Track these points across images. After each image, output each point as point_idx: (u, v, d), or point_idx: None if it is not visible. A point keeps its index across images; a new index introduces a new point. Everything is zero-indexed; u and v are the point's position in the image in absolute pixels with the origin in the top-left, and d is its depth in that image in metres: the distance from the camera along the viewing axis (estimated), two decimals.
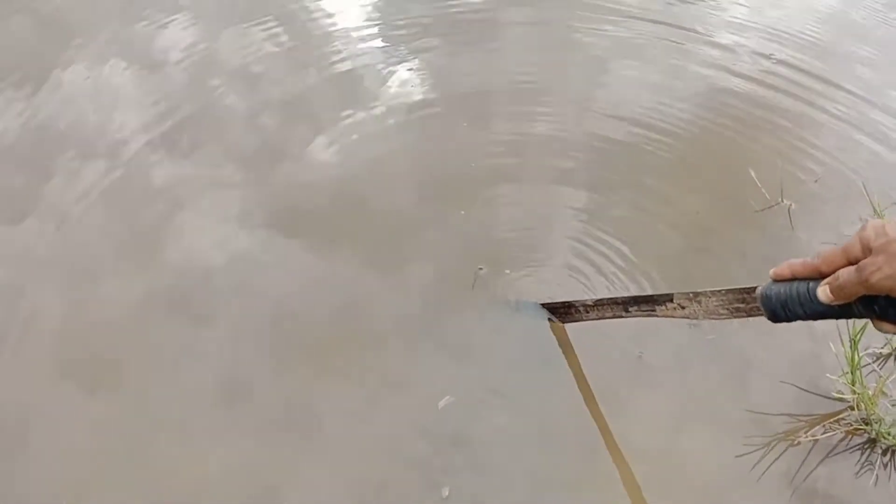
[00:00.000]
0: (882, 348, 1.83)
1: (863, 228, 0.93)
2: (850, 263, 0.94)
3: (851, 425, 1.70)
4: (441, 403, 1.74)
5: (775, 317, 1.05)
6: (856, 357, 1.70)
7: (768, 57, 2.79)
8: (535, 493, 1.62)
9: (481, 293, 1.97)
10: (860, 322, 1.73)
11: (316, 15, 3.05)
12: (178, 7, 3.07)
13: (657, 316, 1.50)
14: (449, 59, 2.79)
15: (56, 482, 1.63)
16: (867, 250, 0.92)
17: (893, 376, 1.75)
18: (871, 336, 1.80)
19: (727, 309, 1.29)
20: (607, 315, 1.66)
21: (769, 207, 2.19)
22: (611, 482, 1.63)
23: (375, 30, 2.95)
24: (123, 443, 1.69)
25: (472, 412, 1.73)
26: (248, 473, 1.64)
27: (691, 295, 1.37)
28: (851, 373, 1.71)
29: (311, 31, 2.96)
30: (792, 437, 1.68)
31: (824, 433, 1.69)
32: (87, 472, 1.65)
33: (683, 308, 1.40)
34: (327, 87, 2.67)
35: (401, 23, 3.00)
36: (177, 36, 2.92)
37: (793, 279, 1.01)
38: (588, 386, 1.77)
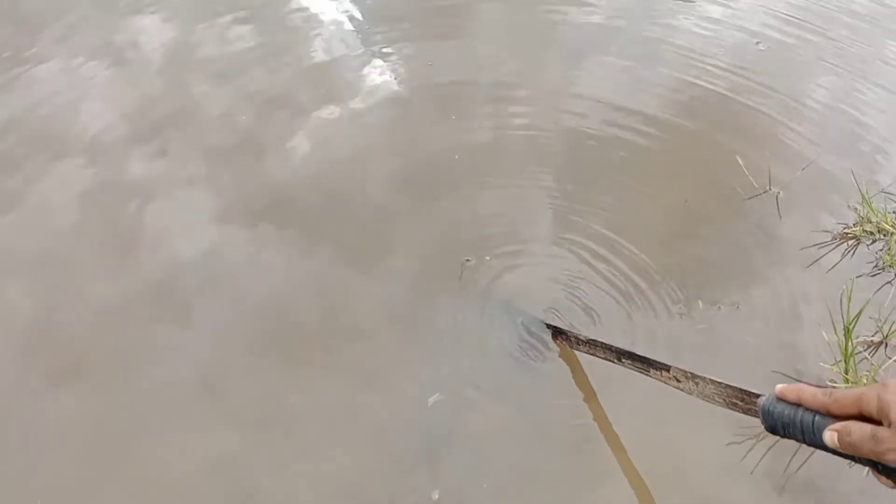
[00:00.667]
0: (873, 336, 1.81)
1: (884, 387, 0.89)
2: (862, 416, 0.91)
3: None
4: (430, 400, 1.71)
5: (773, 431, 1.04)
6: (849, 346, 1.68)
7: (755, 44, 2.76)
8: (525, 486, 1.58)
9: (469, 286, 1.93)
10: (854, 311, 1.71)
11: (292, 8, 3.00)
12: (153, 2, 3.01)
13: (649, 376, 1.50)
14: (426, 51, 2.75)
15: (30, 481, 1.59)
16: (885, 417, 0.88)
17: (886, 364, 1.73)
18: (864, 324, 1.78)
19: (723, 399, 1.28)
20: (598, 355, 1.65)
21: (757, 195, 2.16)
22: (601, 473, 1.60)
23: (352, 23, 2.91)
24: (101, 440, 1.66)
25: (460, 406, 1.70)
26: (229, 470, 1.61)
27: (689, 374, 1.38)
28: (845, 361, 1.69)
29: (287, 24, 2.91)
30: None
31: None
32: (63, 471, 1.61)
33: (678, 382, 1.41)
34: (305, 81, 2.63)
35: (377, 15, 2.96)
36: (152, 31, 2.86)
37: (798, 405, 0.99)
38: (582, 376, 1.74)
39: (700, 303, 1.88)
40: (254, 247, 2.05)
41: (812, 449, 1.58)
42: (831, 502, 1.57)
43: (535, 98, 2.54)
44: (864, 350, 1.79)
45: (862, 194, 2.10)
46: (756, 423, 1.61)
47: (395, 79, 2.62)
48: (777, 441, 1.63)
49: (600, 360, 1.64)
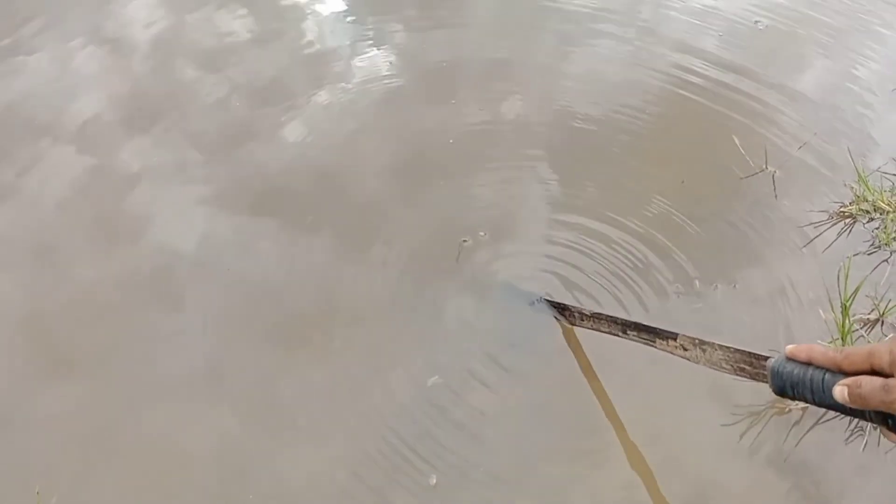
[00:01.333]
0: (869, 314, 1.81)
1: (894, 341, 0.89)
2: (874, 370, 0.91)
3: None
4: (429, 382, 1.71)
5: (781, 393, 1.03)
6: (846, 323, 1.68)
7: (754, 24, 2.74)
8: (523, 469, 1.58)
9: (466, 267, 1.93)
10: (850, 289, 1.71)
11: None
12: None
13: (655, 347, 1.48)
14: (418, 37, 2.73)
15: (27, 470, 1.58)
16: None
17: (882, 342, 1.73)
18: (861, 303, 1.78)
19: (731, 365, 1.27)
20: (602, 329, 1.63)
21: (753, 175, 2.16)
22: (599, 456, 1.60)
23: (343, 7, 2.88)
24: (98, 428, 1.65)
25: (458, 389, 1.70)
26: (226, 455, 1.61)
27: (697, 341, 1.36)
28: (842, 339, 1.69)
29: (279, 11, 2.88)
30: (781, 406, 1.65)
31: None
32: (59, 459, 1.60)
33: (685, 350, 1.39)
34: (296, 68, 2.61)
35: (369, 1, 2.93)
36: (143, 18, 2.83)
37: (808, 364, 0.98)
38: (583, 359, 1.74)
39: (697, 282, 1.88)
40: (248, 234, 2.04)
41: (810, 424, 1.61)
42: (827, 481, 1.57)
43: (529, 82, 2.52)
44: (861, 328, 1.79)
45: (858, 173, 2.10)
46: (753, 402, 1.63)
47: (388, 65, 2.60)
48: (771, 417, 1.64)
49: (602, 338, 1.64)
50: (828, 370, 0.96)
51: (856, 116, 2.37)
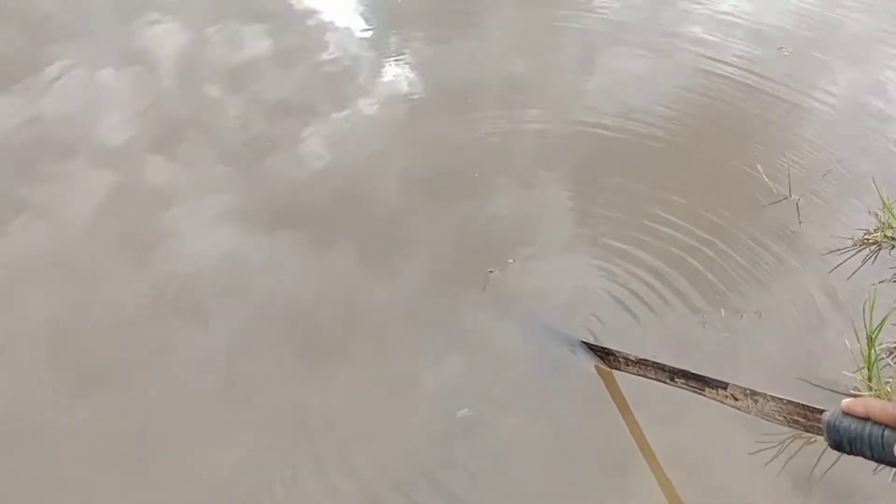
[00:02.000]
0: None
1: None
2: None
3: None
4: (459, 414, 1.71)
5: (838, 447, 1.02)
6: (872, 353, 1.68)
7: (779, 50, 2.76)
8: (547, 489, 1.59)
9: (492, 295, 1.95)
10: (877, 318, 1.72)
11: (304, 13, 3.03)
12: (167, 8, 3.05)
13: (704, 395, 1.47)
14: (439, 53, 2.77)
15: (56, 483, 1.61)
16: None
17: None
18: (886, 331, 1.78)
19: (784, 417, 1.27)
20: (649, 376, 1.62)
21: (777, 202, 2.17)
22: (625, 478, 1.61)
23: (364, 25, 2.93)
24: (126, 444, 1.67)
25: (483, 414, 1.71)
26: (248, 471, 1.62)
27: (748, 391, 1.36)
28: (868, 368, 1.69)
29: (300, 28, 2.94)
30: (808, 435, 1.65)
31: None
32: (88, 474, 1.62)
33: (736, 400, 1.39)
34: (318, 84, 2.66)
35: (389, 17, 2.98)
36: (166, 37, 2.90)
37: (866, 419, 0.98)
38: (612, 386, 1.75)
39: (722, 311, 1.89)
40: (272, 250, 2.07)
41: (837, 454, 1.61)
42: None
43: (549, 100, 2.56)
44: (888, 356, 1.79)
45: (882, 200, 2.10)
46: (780, 430, 1.63)
47: (409, 80, 2.65)
48: (801, 447, 1.64)
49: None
50: (887, 426, 0.94)
51: (881, 143, 2.38)
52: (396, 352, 1.83)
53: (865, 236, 2.07)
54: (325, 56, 2.79)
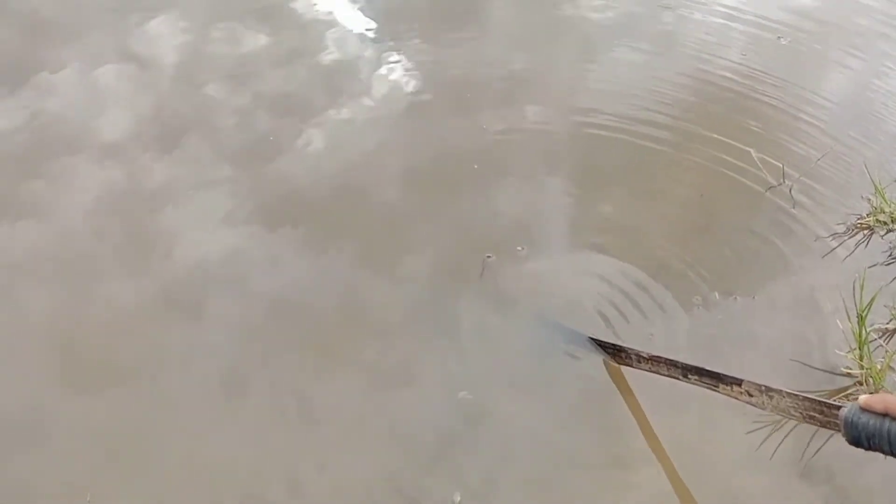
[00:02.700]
0: (888, 324, 1.85)
1: None
2: None
3: None
4: (460, 395, 1.73)
5: (856, 443, 1.04)
6: (863, 333, 1.71)
7: (776, 39, 2.78)
8: (553, 478, 1.61)
9: (489, 284, 1.97)
10: (867, 298, 1.75)
11: (304, 10, 3.04)
12: (166, 6, 3.05)
13: (718, 392, 1.48)
14: (439, 51, 2.78)
15: (73, 477, 1.62)
16: None
17: None
18: (879, 313, 1.81)
19: (800, 413, 1.28)
20: (661, 372, 1.62)
21: (771, 187, 2.20)
22: (621, 460, 1.63)
23: (365, 22, 2.94)
24: (126, 439, 1.68)
25: (484, 402, 1.73)
26: (256, 466, 1.64)
27: (763, 388, 1.36)
28: (859, 348, 1.72)
29: (300, 26, 2.95)
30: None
31: None
32: (91, 469, 1.64)
33: (751, 396, 1.40)
34: (319, 82, 2.67)
35: (390, 14, 2.99)
36: (167, 36, 2.91)
37: (885, 415, 1.00)
38: (616, 371, 1.77)
39: (716, 294, 1.92)
40: (273, 247, 2.08)
41: (829, 434, 1.62)
42: (855, 489, 1.59)
43: (549, 94, 2.57)
44: (879, 337, 1.82)
45: (875, 185, 2.13)
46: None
47: (409, 77, 2.66)
48: (794, 427, 1.67)
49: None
50: None
51: (872, 129, 2.41)
52: (398, 345, 1.84)
53: (858, 221, 2.10)
54: (326, 55, 2.79)
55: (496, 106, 2.52)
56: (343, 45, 2.84)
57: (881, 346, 1.80)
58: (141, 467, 1.64)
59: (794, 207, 2.15)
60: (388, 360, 1.81)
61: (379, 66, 2.73)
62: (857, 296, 1.78)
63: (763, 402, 1.37)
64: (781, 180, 2.20)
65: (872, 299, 1.74)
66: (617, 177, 2.26)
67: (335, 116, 2.51)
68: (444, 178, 2.27)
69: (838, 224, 2.10)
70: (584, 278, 1.98)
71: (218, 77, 2.69)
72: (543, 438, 1.67)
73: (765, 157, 2.27)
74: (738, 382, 1.42)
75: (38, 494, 1.61)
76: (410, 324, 1.89)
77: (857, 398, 1.64)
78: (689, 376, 1.54)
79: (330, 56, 2.78)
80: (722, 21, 2.87)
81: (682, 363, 1.56)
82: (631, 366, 1.72)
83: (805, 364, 1.78)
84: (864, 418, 1.01)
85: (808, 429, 1.65)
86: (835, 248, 2.04)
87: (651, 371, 1.65)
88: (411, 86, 2.63)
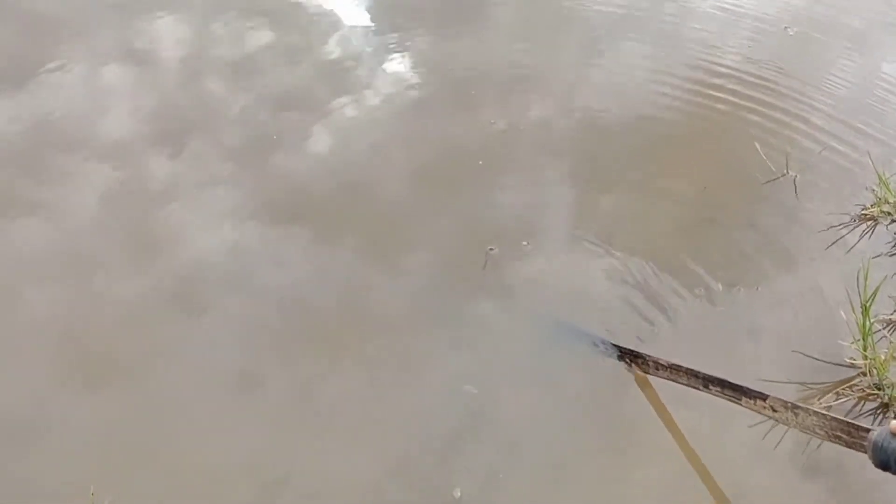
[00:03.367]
0: (892, 314, 1.84)
1: None
2: None
3: (864, 391, 1.71)
4: (466, 388, 1.73)
5: (884, 467, 1.03)
6: (867, 324, 1.71)
7: (784, 30, 2.77)
8: (554, 470, 1.61)
9: (492, 276, 1.97)
10: (871, 289, 1.75)
11: (307, 7, 3.04)
12: (169, 4, 3.05)
13: (741, 405, 1.45)
14: (442, 47, 2.78)
15: (79, 472, 1.61)
16: None
17: None
18: (882, 303, 1.81)
19: (825, 432, 1.25)
20: (681, 381, 1.59)
21: (775, 179, 2.19)
22: (622, 454, 1.64)
23: (367, 19, 2.94)
24: (139, 434, 1.69)
25: (487, 395, 1.73)
26: (261, 460, 1.64)
27: (789, 404, 1.34)
28: (863, 339, 1.72)
29: (302, 23, 2.95)
30: (805, 405, 1.68)
31: (837, 400, 1.70)
32: (110, 462, 1.64)
33: (775, 411, 1.37)
34: (322, 79, 2.66)
35: (392, 11, 2.99)
36: (170, 34, 2.90)
37: None
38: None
39: (720, 286, 1.92)
40: (278, 243, 2.08)
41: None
42: (858, 482, 1.58)
43: (552, 88, 2.57)
44: (884, 328, 1.81)
45: (879, 175, 2.12)
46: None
47: (412, 74, 2.66)
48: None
49: (626, 336, 1.67)
50: None
51: (879, 119, 2.40)
52: (402, 339, 1.84)
53: (862, 212, 2.10)
54: (329, 52, 2.79)
55: (500, 101, 2.52)
56: (346, 41, 2.83)
57: (885, 336, 1.80)
58: (145, 464, 1.64)
59: (797, 198, 2.14)
60: (393, 354, 1.81)
61: (382, 61, 2.73)
62: (861, 286, 1.78)
63: (788, 419, 1.34)
64: (785, 171, 2.20)
65: (876, 290, 1.74)
66: (621, 170, 2.26)
67: (338, 112, 2.51)
68: (449, 173, 2.27)
69: (842, 215, 2.10)
70: (587, 271, 1.97)
71: (220, 75, 2.69)
72: (548, 431, 1.67)
73: (769, 148, 2.26)
74: (763, 397, 1.38)
75: (41, 492, 1.60)
76: (415, 318, 1.89)
77: (861, 389, 1.67)
78: (711, 387, 1.50)
79: (333, 53, 2.78)
80: (728, 12, 2.86)
81: (703, 373, 1.52)
82: (648, 373, 1.70)
83: (808, 355, 1.77)
84: (895, 444, 1.01)
85: None
86: (838, 240, 2.03)
87: (669, 379, 1.62)
88: (415, 81, 2.62)
